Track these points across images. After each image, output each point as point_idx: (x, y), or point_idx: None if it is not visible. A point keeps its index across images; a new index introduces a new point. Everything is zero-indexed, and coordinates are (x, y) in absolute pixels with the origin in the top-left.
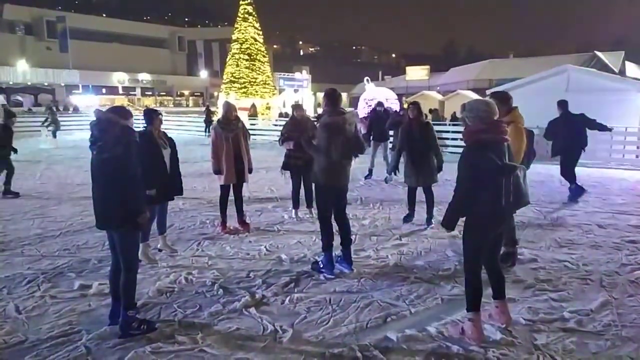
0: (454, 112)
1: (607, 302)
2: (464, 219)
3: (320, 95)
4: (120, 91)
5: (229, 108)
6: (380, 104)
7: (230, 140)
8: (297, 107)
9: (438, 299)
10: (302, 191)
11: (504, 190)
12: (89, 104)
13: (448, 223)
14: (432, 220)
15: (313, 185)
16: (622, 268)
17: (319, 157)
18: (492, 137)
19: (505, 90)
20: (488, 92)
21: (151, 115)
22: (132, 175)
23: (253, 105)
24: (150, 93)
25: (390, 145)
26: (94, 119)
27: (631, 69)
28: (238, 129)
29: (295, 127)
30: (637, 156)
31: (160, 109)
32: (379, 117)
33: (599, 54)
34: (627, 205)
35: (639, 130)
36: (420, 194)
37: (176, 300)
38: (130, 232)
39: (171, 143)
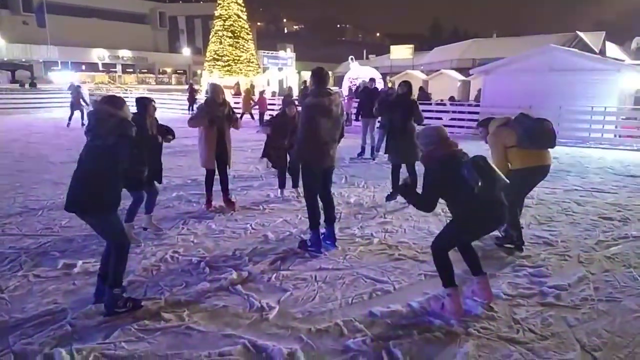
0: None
1: (584, 277)
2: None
3: (305, 73)
4: (101, 68)
5: (215, 90)
6: (372, 79)
7: (214, 125)
8: (289, 102)
9: (422, 275)
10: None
11: (470, 178)
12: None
13: (406, 196)
14: None
15: (300, 165)
16: (599, 244)
17: (305, 139)
18: (446, 150)
19: (487, 69)
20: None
21: (144, 103)
22: (117, 168)
23: (237, 84)
24: (131, 70)
25: (377, 124)
26: (92, 109)
27: (611, 49)
28: (223, 115)
29: (285, 125)
30: (615, 135)
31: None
32: (369, 93)
33: (581, 34)
34: (604, 183)
35: (618, 110)
36: (404, 173)
37: (162, 278)
38: (109, 217)
39: (160, 131)
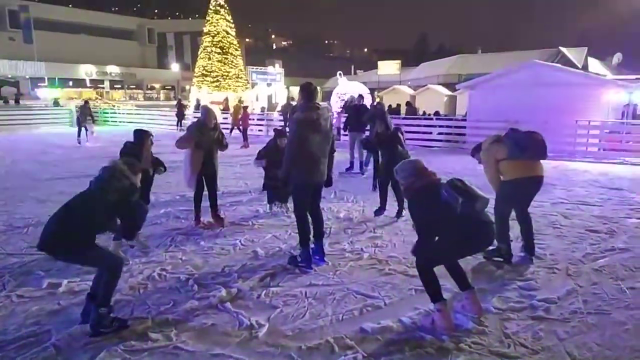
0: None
1: (573, 290)
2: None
3: (293, 89)
4: (88, 84)
5: (208, 115)
6: (360, 96)
7: (201, 148)
8: (280, 135)
9: (412, 290)
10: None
11: (451, 200)
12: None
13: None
14: (403, 212)
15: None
16: (586, 257)
17: (294, 155)
18: (424, 182)
19: (472, 85)
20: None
21: (141, 136)
22: (109, 225)
23: (226, 99)
24: (119, 86)
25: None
26: (108, 165)
27: (593, 64)
28: (212, 139)
29: (277, 156)
30: (599, 149)
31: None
32: (356, 108)
33: (563, 49)
34: (590, 196)
35: (602, 124)
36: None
37: (149, 297)
38: (82, 252)
39: (155, 165)
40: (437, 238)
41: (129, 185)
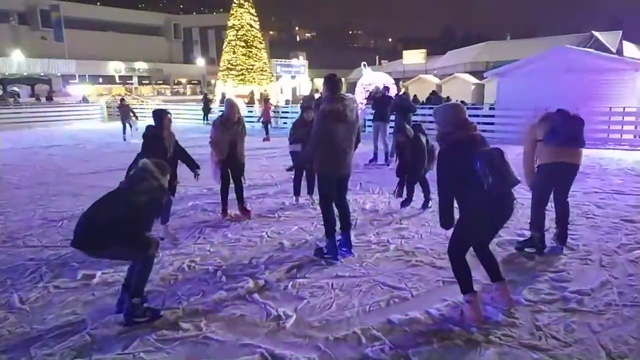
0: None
1: (607, 282)
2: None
3: (318, 81)
4: (117, 80)
5: (232, 109)
6: (386, 87)
7: (226, 141)
8: (307, 108)
9: (439, 282)
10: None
11: (481, 173)
12: (86, 94)
13: (444, 223)
14: (429, 204)
15: (315, 173)
16: (621, 248)
17: (320, 146)
18: (462, 135)
19: (501, 72)
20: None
21: (160, 115)
22: (141, 227)
23: (251, 92)
24: (147, 82)
25: (389, 130)
26: (139, 165)
27: (629, 48)
28: (237, 132)
29: (304, 129)
30: (635, 136)
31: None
32: (382, 98)
33: (597, 34)
34: (624, 185)
35: (638, 110)
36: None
37: (179, 288)
38: (113, 249)
39: (176, 146)
40: (459, 211)
41: (158, 186)
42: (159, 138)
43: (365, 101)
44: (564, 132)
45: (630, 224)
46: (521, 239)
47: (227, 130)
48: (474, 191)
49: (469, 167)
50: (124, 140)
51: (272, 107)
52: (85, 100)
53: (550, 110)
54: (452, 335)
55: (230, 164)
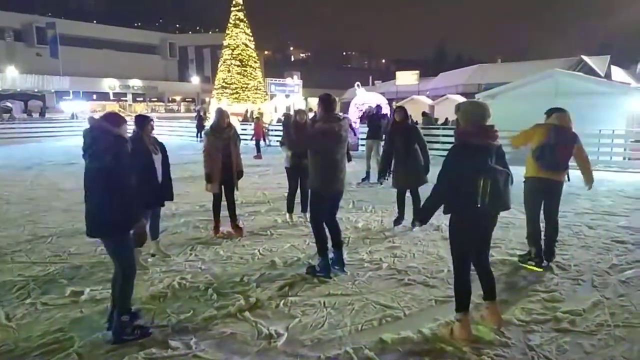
0: (446, 118)
1: (599, 302)
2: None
3: (312, 100)
4: (112, 97)
5: (221, 115)
6: (378, 106)
7: (220, 149)
8: (299, 111)
9: (432, 301)
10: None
11: (481, 191)
12: (79, 110)
13: (423, 215)
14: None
15: (309, 190)
16: (612, 268)
17: (316, 165)
18: (480, 141)
19: (493, 94)
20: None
21: (142, 121)
22: (125, 185)
23: (247, 111)
24: (141, 99)
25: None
26: (88, 126)
27: (616, 72)
28: (229, 138)
29: (297, 130)
30: (624, 158)
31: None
32: (375, 116)
33: (586, 58)
34: (615, 206)
35: (626, 133)
36: (409, 196)
37: (169, 305)
38: (124, 240)
39: (162, 148)
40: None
41: (114, 138)
42: (140, 146)
43: (358, 120)
44: (551, 157)
45: (621, 245)
46: (514, 258)
47: (219, 136)
48: (465, 200)
49: (470, 176)
50: None
51: (265, 125)
52: (75, 116)
53: (556, 125)
54: (445, 355)
55: (224, 174)
